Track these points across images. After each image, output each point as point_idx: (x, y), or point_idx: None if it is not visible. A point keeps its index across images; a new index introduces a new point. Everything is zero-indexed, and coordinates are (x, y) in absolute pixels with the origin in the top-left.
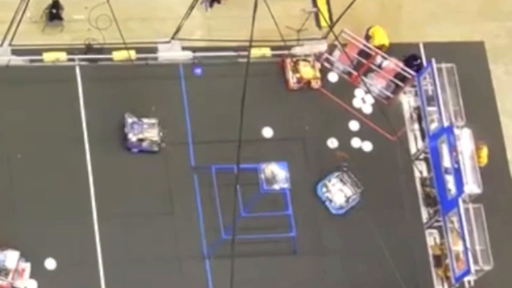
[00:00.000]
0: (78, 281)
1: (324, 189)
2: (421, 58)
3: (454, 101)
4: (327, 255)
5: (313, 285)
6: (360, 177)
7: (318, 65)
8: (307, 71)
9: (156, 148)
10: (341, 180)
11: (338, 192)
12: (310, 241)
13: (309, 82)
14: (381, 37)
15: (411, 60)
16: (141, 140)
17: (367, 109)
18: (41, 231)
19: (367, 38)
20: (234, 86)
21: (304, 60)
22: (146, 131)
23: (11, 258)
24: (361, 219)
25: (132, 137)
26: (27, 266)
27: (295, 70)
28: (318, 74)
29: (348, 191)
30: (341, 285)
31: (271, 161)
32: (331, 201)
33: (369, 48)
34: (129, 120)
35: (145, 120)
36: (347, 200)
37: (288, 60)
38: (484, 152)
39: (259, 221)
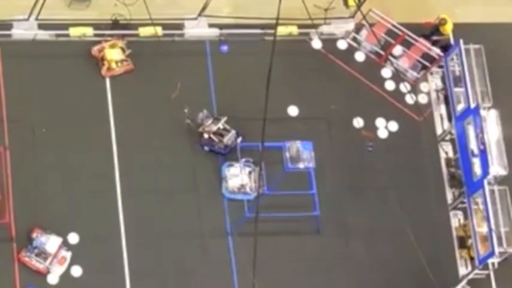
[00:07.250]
0: (100, 256)
1: (228, 168)
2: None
3: (481, 82)
4: (351, 235)
5: (336, 265)
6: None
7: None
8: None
9: (223, 151)
10: (249, 173)
11: (234, 176)
12: (334, 221)
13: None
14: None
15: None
16: (211, 137)
17: (394, 89)
18: (64, 206)
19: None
20: (260, 64)
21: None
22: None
23: (52, 242)
24: (385, 199)
25: (205, 135)
26: (67, 256)
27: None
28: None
29: (246, 180)
30: (364, 266)
31: (296, 139)
32: (226, 181)
33: (397, 28)
34: (208, 118)
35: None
36: (239, 188)
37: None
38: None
39: (283, 199)
